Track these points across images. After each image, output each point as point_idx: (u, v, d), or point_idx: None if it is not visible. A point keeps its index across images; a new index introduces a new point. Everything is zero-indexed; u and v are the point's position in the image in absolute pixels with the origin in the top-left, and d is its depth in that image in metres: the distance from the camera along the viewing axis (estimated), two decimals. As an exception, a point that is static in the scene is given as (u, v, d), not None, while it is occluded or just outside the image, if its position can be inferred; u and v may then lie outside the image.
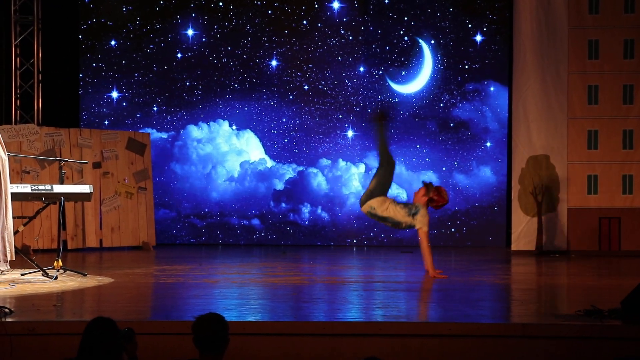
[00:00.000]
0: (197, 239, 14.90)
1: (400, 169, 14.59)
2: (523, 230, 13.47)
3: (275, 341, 6.38)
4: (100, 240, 13.55)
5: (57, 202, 9.84)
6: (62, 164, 10.23)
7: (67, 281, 9.15)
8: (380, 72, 14.65)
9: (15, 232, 10.12)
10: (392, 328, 6.49)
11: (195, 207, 14.88)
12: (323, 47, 14.70)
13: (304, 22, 14.72)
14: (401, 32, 14.62)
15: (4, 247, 9.25)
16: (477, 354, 6.33)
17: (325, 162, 14.69)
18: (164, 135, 14.86)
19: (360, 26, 14.67)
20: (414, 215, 9.99)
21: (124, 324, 5.10)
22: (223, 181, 14.85)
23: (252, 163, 14.81)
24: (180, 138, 14.88)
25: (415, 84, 14.62)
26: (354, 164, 14.65)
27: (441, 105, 14.58)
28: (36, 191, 9.69)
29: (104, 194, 13.56)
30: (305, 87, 14.73)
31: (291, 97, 14.75)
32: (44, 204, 9.98)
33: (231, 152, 14.83)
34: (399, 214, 9.98)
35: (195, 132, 14.85)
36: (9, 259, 9.34)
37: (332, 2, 14.67)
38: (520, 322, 6.63)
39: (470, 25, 14.51)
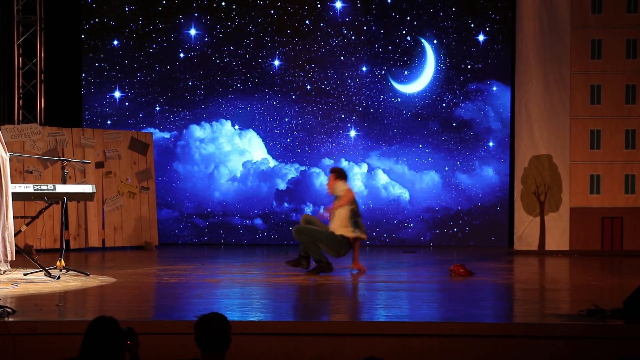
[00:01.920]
0: (199, 238, 14.91)
1: (402, 169, 14.60)
2: (525, 230, 13.47)
3: (277, 341, 6.38)
4: (103, 240, 13.55)
5: (60, 202, 9.85)
6: (64, 164, 10.21)
7: (70, 281, 9.16)
8: (383, 71, 14.65)
9: (18, 232, 10.14)
10: (394, 328, 6.49)
11: (197, 207, 14.88)
12: (325, 47, 14.70)
13: (307, 22, 14.72)
14: (404, 32, 14.62)
15: (5, 247, 9.26)
16: (479, 354, 6.34)
17: (327, 161, 14.68)
18: (167, 135, 14.87)
19: (362, 26, 14.67)
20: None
21: (126, 324, 5.11)
22: (225, 181, 14.86)
23: (254, 163, 14.81)
24: (183, 138, 14.88)
25: (417, 84, 14.62)
26: (356, 164, 14.65)
27: (444, 105, 14.58)
28: (39, 191, 9.70)
29: (107, 193, 13.57)
30: (308, 87, 14.73)
31: (294, 96, 14.76)
32: (47, 204, 10.00)
33: (234, 151, 14.84)
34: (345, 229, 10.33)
35: (198, 131, 14.85)
36: (9, 259, 9.36)
37: (334, 2, 14.67)
38: (522, 321, 6.63)
39: (472, 25, 14.51)
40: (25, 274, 9.40)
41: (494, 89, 14.48)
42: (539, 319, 6.96)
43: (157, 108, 14.88)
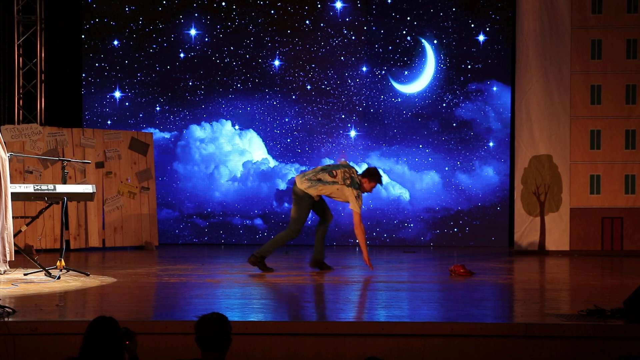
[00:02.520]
0: (199, 238, 14.90)
1: (403, 169, 14.60)
2: (526, 230, 13.47)
3: (277, 341, 6.38)
4: (103, 240, 13.55)
5: (60, 202, 9.85)
6: (64, 164, 10.22)
7: (70, 281, 9.16)
8: (383, 72, 14.65)
9: (18, 232, 10.15)
10: (395, 328, 6.49)
11: (197, 207, 14.88)
12: (326, 47, 14.70)
13: (307, 22, 14.72)
14: (404, 32, 14.62)
15: (4, 247, 9.27)
16: (480, 354, 6.34)
17: (328, 162, 14.68)
18: (167, 135, 14.87)
19: (362, 26, 14.68)
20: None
21: (126, 324, 5.11)
22: (226, 181, 14.86)
23: (254, 163, 14.82)
24: (183, 138, 14.88)
25: (417, 84, 14.63)
26: (356, 164, 14.64)
27: (444, 105, 14.58)
28: (39, 191, 9.70)
29: (107, 193, 13.57)
30: (308, 87, 14.73)
31: (294, 97, 14.76)
32: (47, 204, 10.00)
33: (234, 152, 14.84)
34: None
35: (198, 132, 14.85)
36: (8, 259, 9.36)
37: (334, 2, 14.67)
38: (523, 321, 6.64)
39: (473, 25, 14.51)
40: (25, 274, 9.41)
41: (494, 89, 14.49)
42: (539, 319, 6.95)
43: (158, 108, 14.88)
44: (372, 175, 10.50)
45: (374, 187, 10.60)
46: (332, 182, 10.34)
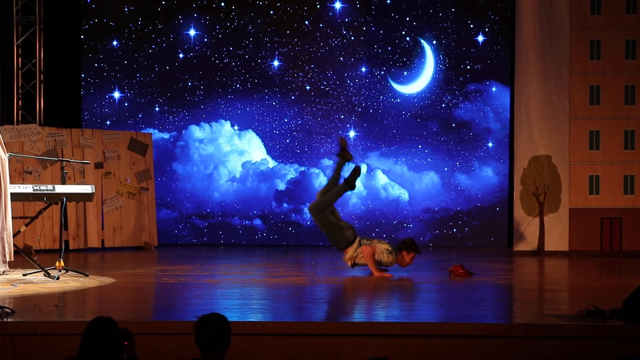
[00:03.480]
0: (198, 239, 14.90)
1: (402, 169, 14.61)
2: (525, 230, 13.47)
3: (277, 341, 6.38)
4: (102, 241, 13.55)
5: (59, 203, 9.84)
6: (64, 164, 10.22)
7: (69, 281, 9.16)
8: (382, 72, 14.65)
9: (17, 233, 10.14)
10: (395, 328, 6.49)
11: (197, 208, 14.88)
12: (325, 48, 14.70)
13: (306, 22, 14.72)
14: (403, 33, 14.62)
15: (3, 247, 9.26)
16: (480, 354, 6.34)
17: (327, 162, 14.68)
18: (166, 136, 14.86)
19: (362, 26, 14.68)
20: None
21: (126, 324, 5.10)
22: (225, 181, 14.86)
23: (253, 163, 14.81)
24: (182, 138, 14.88)
25: (417, 85, 14.63)
26: (356, 164, 14.62)
27: (443, 105, 14.58)
28: (38, 191, 9.70)
29: (106, 194, 13.57)
30: (307, 88, 14.73)
31: (293, 97, 14.75)
32: (46, 204, 9.99)
33: (233, 152, 14.83)
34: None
35: (197, 132, 14.85)
36: (8, 259, 9.36)
37: (334, 3, 14.67)
38: (522, 322, 6.64)
39: (472, 26, 14.51)
40: (24, 275, 9.40)
41: (493, 89, 14.49)
42: (538, 319, 6.96)
43: (157, 108, 14.87)
44: (409, 245, 10.23)
45: (413, 257, 10.26)
46: (368, 243, 10.18)
